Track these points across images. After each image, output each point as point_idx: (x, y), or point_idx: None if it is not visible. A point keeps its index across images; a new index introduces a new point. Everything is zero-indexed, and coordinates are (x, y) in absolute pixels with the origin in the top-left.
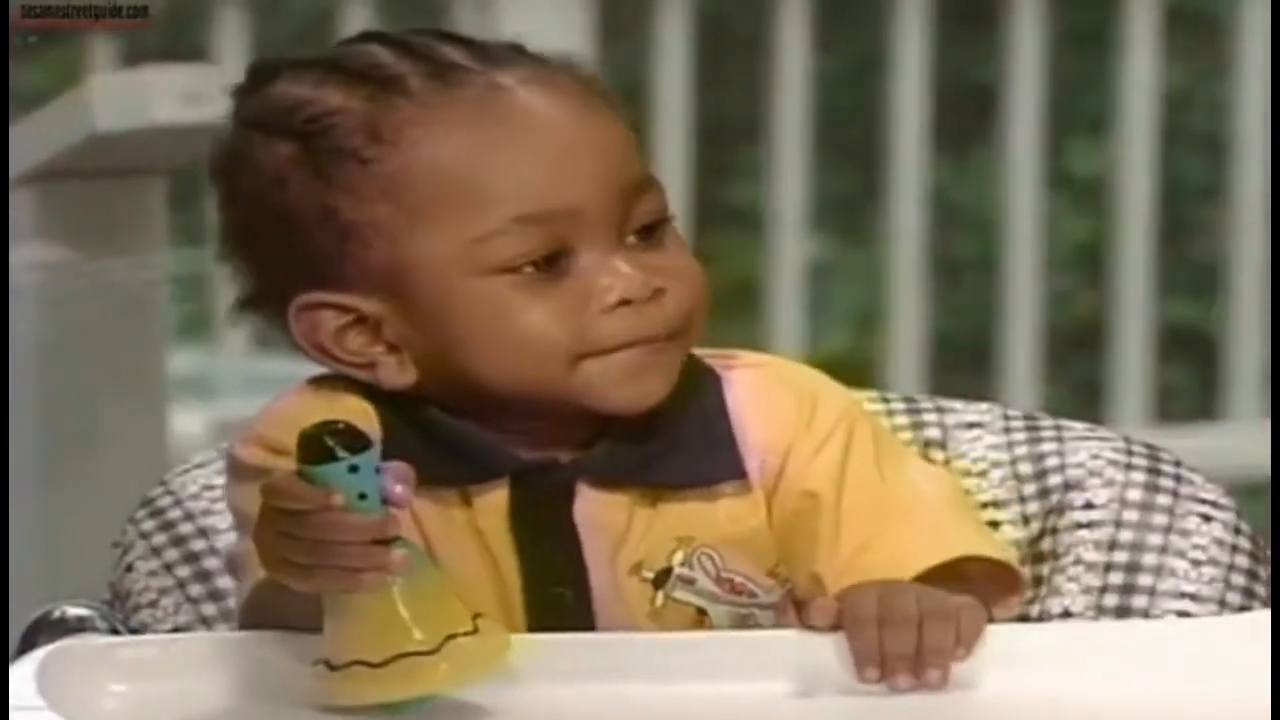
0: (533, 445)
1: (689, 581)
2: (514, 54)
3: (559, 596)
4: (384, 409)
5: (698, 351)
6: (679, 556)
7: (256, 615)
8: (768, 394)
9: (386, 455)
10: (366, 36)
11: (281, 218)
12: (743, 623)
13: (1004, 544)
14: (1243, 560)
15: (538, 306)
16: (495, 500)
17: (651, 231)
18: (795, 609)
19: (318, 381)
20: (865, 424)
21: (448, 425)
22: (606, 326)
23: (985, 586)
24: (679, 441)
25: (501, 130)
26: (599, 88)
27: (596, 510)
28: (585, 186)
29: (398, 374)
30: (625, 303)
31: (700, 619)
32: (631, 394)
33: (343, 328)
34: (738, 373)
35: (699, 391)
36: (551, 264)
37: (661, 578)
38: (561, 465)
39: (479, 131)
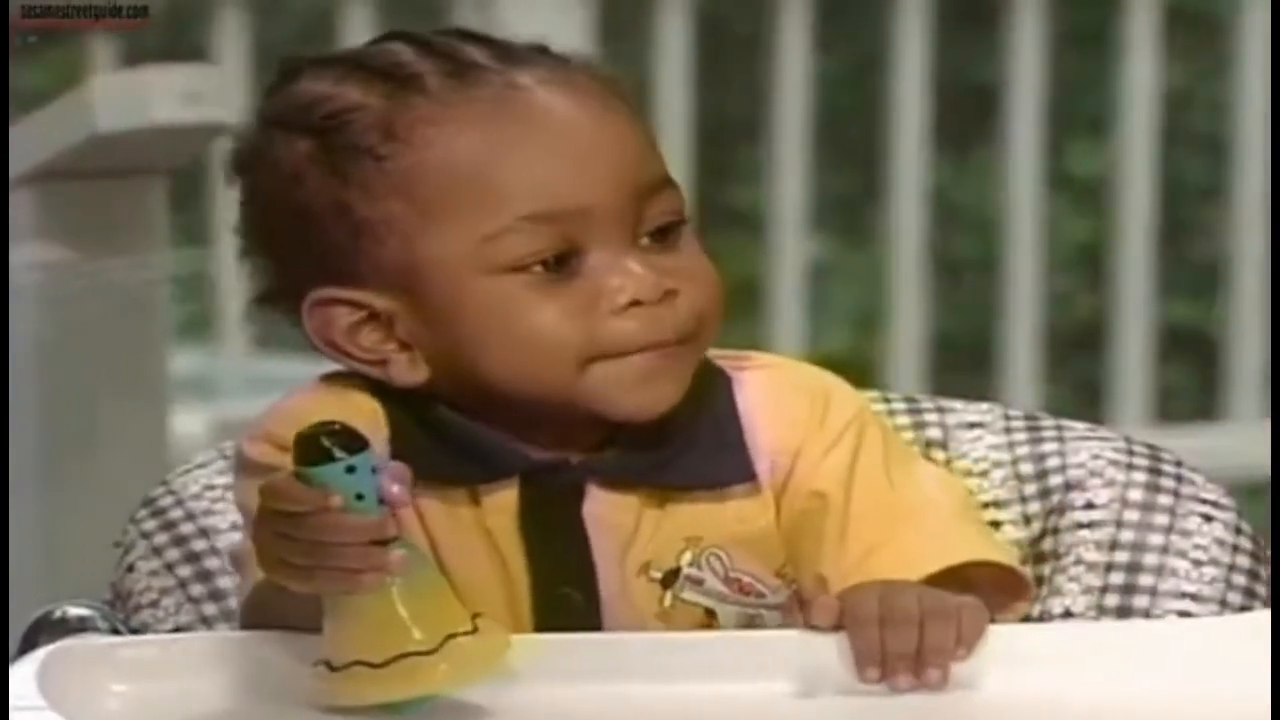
0: (543, 445)
1: (697, 582)
2: (536, 54)
3: (567, 597)
4: (393, 408)
5: (709, 352)
6: (687, 557)
7: (257, 615)
8: (779, 395)
9: (395, 454)
10: (392, 36)
11: (298, 214)
12: (750, 623)
13: (1009, 548)
14: (1244, 560)
15: (548, 306)
16: (504, 500)
17: (666, 233)
18: (801, 609)
19: (328, 380)
20: (875, 427)
21: (457, 424)
22: (617, 328)
23: (991, 593)
24: (690, 443)
25: (515, 129)
26: (619, 90)
27: (606, 511)
28: (597, 186)
29: (409, 371)
30: (636, 304)
31: (708, 620)
32: (642, 400)
33: (355, 324)
34: (749, 374)
35: (710, 393)
36: (561, 264)
37: (670, 578)
38: (571, 466)
39: (492, 130)
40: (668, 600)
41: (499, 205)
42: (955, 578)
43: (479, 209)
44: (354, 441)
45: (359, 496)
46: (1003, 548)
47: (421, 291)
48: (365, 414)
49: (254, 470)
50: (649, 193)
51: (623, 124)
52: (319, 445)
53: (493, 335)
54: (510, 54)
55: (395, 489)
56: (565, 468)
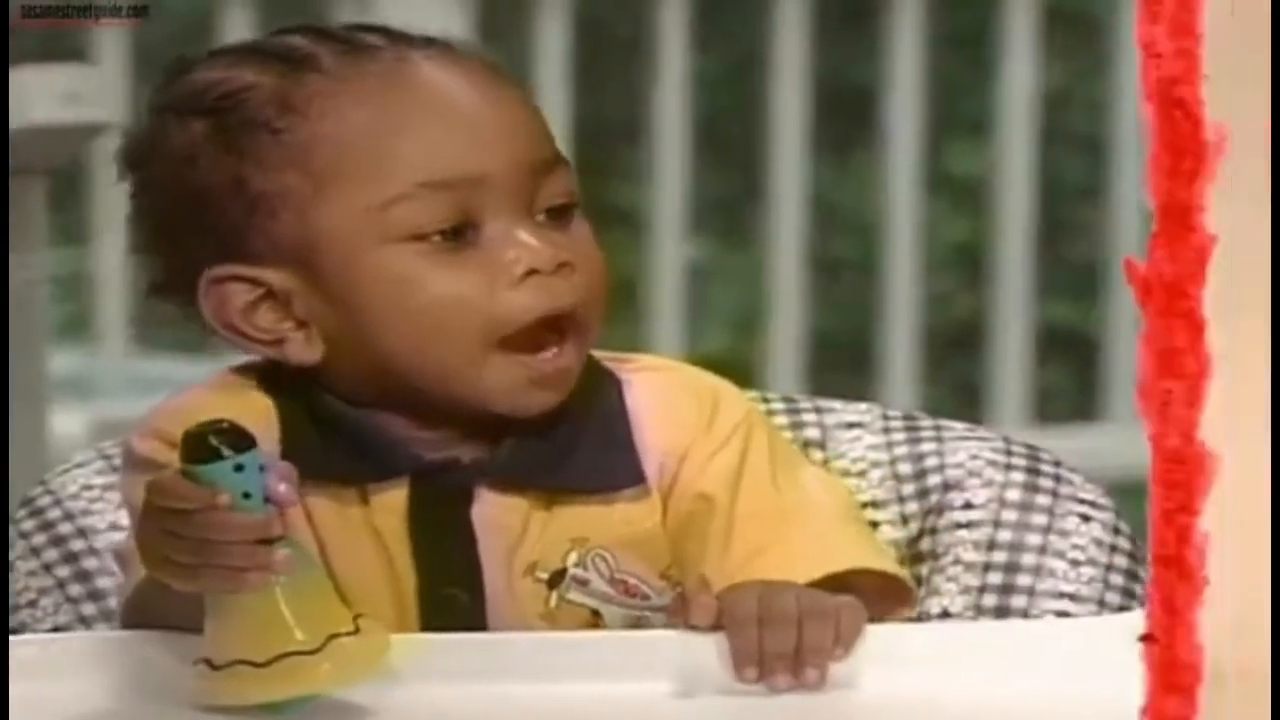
0: (434, 445)
1: (583, 582)
2: (428, 40)
3: (452, 597)
4: (285, 406)
5: (596, 354)
6: (573, 557)
7: (138, 614)
8: (668, 398)
9: (286, 453)
10: (287, 29)
11: (193, 195)
12: (636, 625)
13: (892, 553)
14: (1121, 560)
15: (446, 277)
16: (394, 500)
17: (560, 214)
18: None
19: (219, 378)
20: (763, 430)
21: (351, 420)
22: (515, 300)
23: (875, 599)
24: (579, 446)
25: (408, 98)
26: (509, 74)
27: (495, 512)
28: (492, 156)
29: (305, 350)
30: (532, 273)
31: (593, 621)
32: (534, 400)
33: (252, 303)
34: (638, 376)
35: (599, 396)
36: (459, 234)
37: (556, 578)
38: (462, 466)
39: (386, 100)
40: (553, 601)
41: (394, 173)
42: (839, 584)
43: (374, 177)
44: (242, 440)
45: (245, 495)
46: (887, 554)
47: (318, 265)
48: (257, 412)
49: (142, 467)
50: (543, 169)
51: (515, 100)
52: (207, 443)
53: (392, 308)
54: (402, 37)
55: (282, 488)
56: (456, 468)
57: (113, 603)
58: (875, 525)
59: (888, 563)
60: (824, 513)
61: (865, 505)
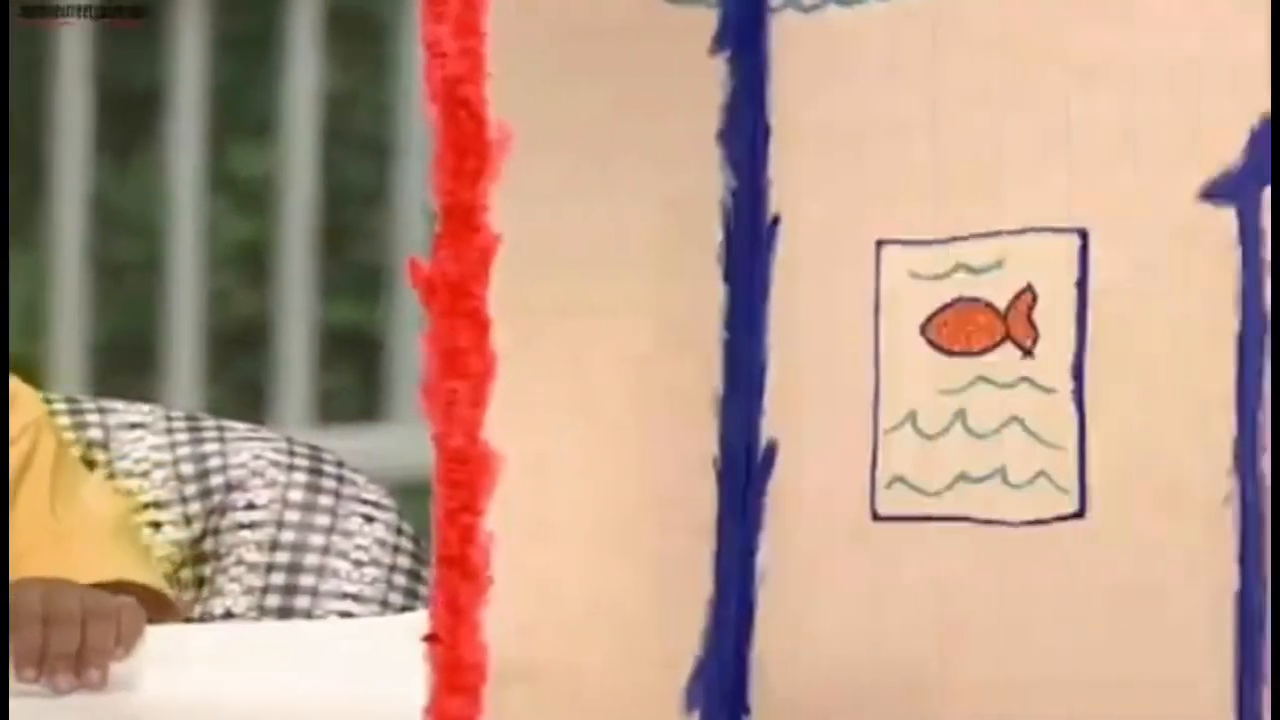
0: None
1: None
2: None
3: None
4: None
5: None
6: None
7: None
8: None
9: None
10: None
11: None
12: None
13: (160, 569)
14: (405, 561)
15: None
16: None
17: None
18: None
19: None
20: (50, 437)
21: None
22: None
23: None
24: None
25: None
26: None
27: None
28: None
29: None
30: None
31: None
32: None
33: None
34: None
35: None
36: None
37: None
38: None
39: None
40: None
41: None
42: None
43: None
44: None
45: None
46: (155, 569)
47: None
48: None
49: None
50: None
51: None
52: None
53: None
54: None
55: None
56: None
57: None
58: (158, 526)
59: (151, 577)
60: (97, 528)
61: (148, 506)
